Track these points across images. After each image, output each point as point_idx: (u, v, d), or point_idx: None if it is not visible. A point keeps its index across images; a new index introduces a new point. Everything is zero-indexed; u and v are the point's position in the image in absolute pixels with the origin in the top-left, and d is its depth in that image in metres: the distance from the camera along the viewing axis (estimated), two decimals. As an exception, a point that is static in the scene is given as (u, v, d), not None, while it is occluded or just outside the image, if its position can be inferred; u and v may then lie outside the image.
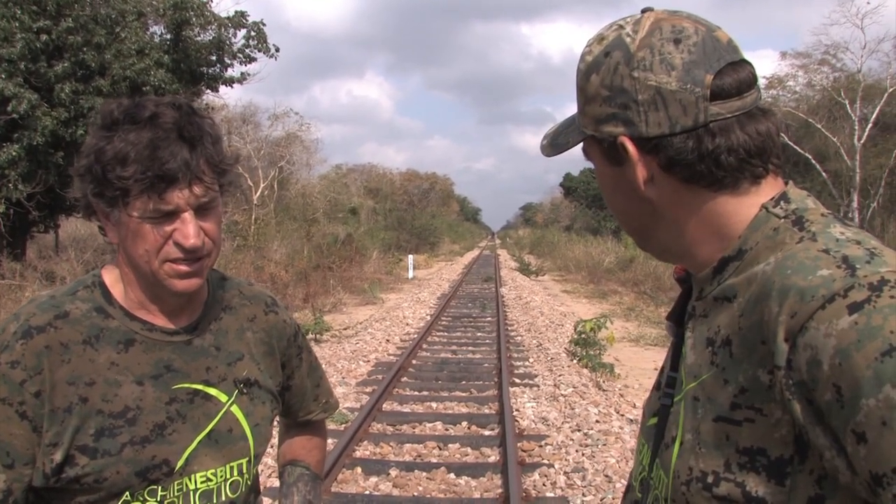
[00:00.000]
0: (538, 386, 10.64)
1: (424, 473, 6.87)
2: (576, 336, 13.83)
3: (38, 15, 17.21)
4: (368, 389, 10.20)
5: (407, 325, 17.10)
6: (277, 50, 22.12)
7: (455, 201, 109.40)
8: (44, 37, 17.06)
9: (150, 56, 18.77)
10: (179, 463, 1.55)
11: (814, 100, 35.25)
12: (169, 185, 1.43)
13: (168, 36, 20.53)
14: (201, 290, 1.68)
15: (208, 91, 22.51)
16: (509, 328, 16.36)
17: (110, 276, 1.62)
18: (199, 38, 20.63)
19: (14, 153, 16.98)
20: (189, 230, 1.47)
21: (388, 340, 14.68)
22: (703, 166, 1.10)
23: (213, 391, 1.63)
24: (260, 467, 1.67)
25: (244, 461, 1.66)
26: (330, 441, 7.58)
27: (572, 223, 73.80)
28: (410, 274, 32.81)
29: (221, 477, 1.62)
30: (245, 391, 1.68)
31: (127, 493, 1.51)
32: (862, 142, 32.38)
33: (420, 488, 6.55)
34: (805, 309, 0.94)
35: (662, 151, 1.11)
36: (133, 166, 1.41)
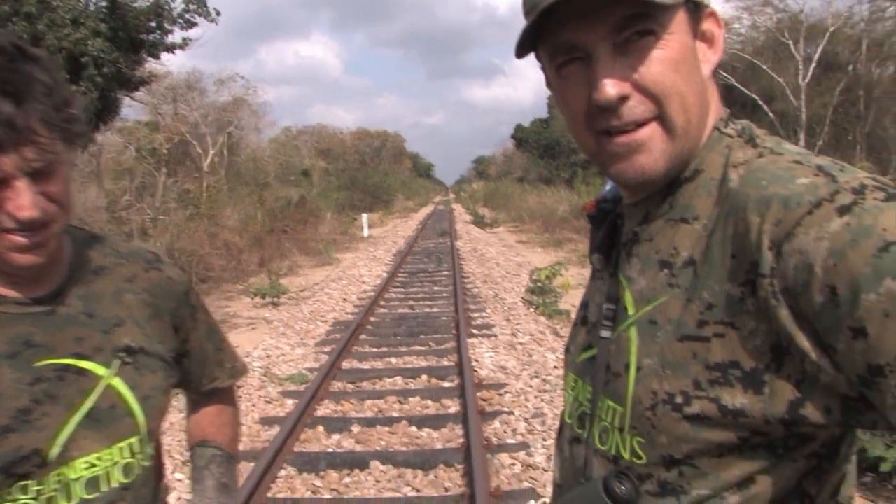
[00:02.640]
0: (496, 336, 10.72)
1: (386, 428, 6.92)
2: (531, 285, 13.95)
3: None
4: (327, 349, 10.21)
5: (363, 283, 17.10)
6: (218, 13, 21.70)
7: (407, 158, 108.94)
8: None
9: (87, 25, 18.34)
10: (54, 451, 1.33)
11: (759, 41, 35.42)
12: None
13: (103, 3, 20.10)
14: (60, 255, 1.45)
15: (150, 59, 22.11)
16: (466, 281, 16.42)
17: None
18: (136, 5, 20.19)
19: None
20: (23, 200, 1.24)
21: (345, 300, 14.68)
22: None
23: (86, 364, 1.41)
24: (167, 449, 1.52)
25: (134, 440, 1.44)
26: (290, 401, 7.67)
27: (525, 174, 73.79)
28: (365, 232, 32.73)
29: (109, 460, 1.40)
30: (129, 360, 1.46)
31: None
32: (806, 81, 32.66)
33: (382, 442, 6.60)
34: (791, 216, 0.94)
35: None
36: None
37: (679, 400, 1.05)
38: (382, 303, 14.08)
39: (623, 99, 1.06)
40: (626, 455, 1.14)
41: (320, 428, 6.93)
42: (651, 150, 1.10)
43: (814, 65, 32.62)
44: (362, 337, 11.03)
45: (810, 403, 0.98)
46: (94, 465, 1.38)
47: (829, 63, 32.98)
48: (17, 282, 1.37)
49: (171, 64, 34.07)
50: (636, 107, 1.07)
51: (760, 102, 32.90)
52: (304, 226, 27.59)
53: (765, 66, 32.98)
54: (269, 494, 5.52)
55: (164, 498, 1.61)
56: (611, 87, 1.05)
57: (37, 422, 1.32)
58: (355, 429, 6.90)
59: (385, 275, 17.98)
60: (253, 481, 5.35)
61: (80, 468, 1.36)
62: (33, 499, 1.32)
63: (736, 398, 1.01)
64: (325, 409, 7.61)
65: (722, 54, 1.13)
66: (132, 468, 1.44)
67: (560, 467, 1.33)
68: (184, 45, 22.35)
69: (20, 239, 1.27)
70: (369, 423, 7.08)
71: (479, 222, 38.26)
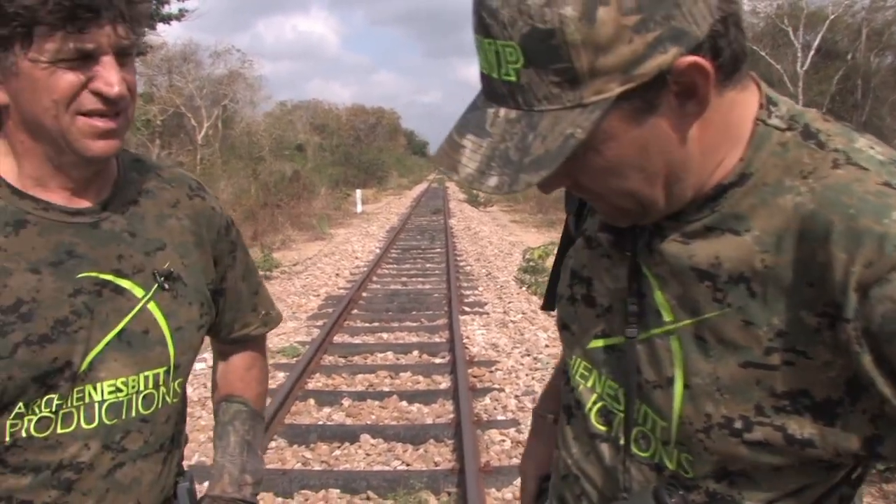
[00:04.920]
0: (488, 314, 10.71)
1: (377, 402, 6.91)
2: (524, 264, 13.95)
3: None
4: (319, 323, 10.19)
5: (356, 258, 17.07)
6: (216, -17, 21.60)
7: (402, 135, 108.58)
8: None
9: (83, -8, 18.22)
10: (83, 366, 1.31)
11: (758, 27, 35.31)
12: (91, 19, 1.18)
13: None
14: (110, 168, 1.41)
15: (145, 28, 21.98)
16: (459, 258, 16.40)
17: None
18: (132, -27, 20.07)
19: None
20: (112, 76, 1.22)
21: (337, 275, 14.66)
22: (732, 56, 0.95)
23: (126, 283, 1.37)
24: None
25: (161, 371, 1.41)
26: (281, 374, 7.65)
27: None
28: (359, 208, 32.68)
29: (133, 388, 1.37)
30: (167, 287, 1.42)
31: (21, 403, 1.26)
32: (804, 69, 32.63)
33: (373, 416, 6.60)
34: (886, 261, 0.85)
35: (713, 50, 0.92)
36: None
37: (738, 425, 1.00)
38: (375, 278, 14.06)
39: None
40: (672, 466, 1.10)
41: (311, 401, 6.93)
42: (618, 218, 1.08)
43: (812, 52, 32.63)
44: (354, 312, 11.01)
45: (890, 441, 0.94)
46: (118, 391, 1.35)
47: (828, 51, 33.01)
48: (66, 187, 1.33)
49: (166, 35, 33.76)
50: (582, 193, 1.06)
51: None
52: (297, 200, 27.51)
53: (763, 53, 32.92)
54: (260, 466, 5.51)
55: (183, 444, 1.57)
56: (546, 189, 1.02)
57: (74, 334, 1.29)
58: (346, 402, 6.90)
59: (378, 251, 17.95)
60: (243, 451, 5.33)
61: (105, 391, 1.33)
62: (53, 412, 1.29)
63: (805, 428, 0.97)
64: (316, 382, 7.61)
65: (706, 99, 0.94)
66: (154, 400, 1.41)
67: (577, 455, 1.26)
68: (180, 15, 22.23)
69: (100, 123, 1.25)
70: (360, 397, 7.08)
71: (473, 201, 38.23)
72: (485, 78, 0.96)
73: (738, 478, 1.05)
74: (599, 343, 1.19)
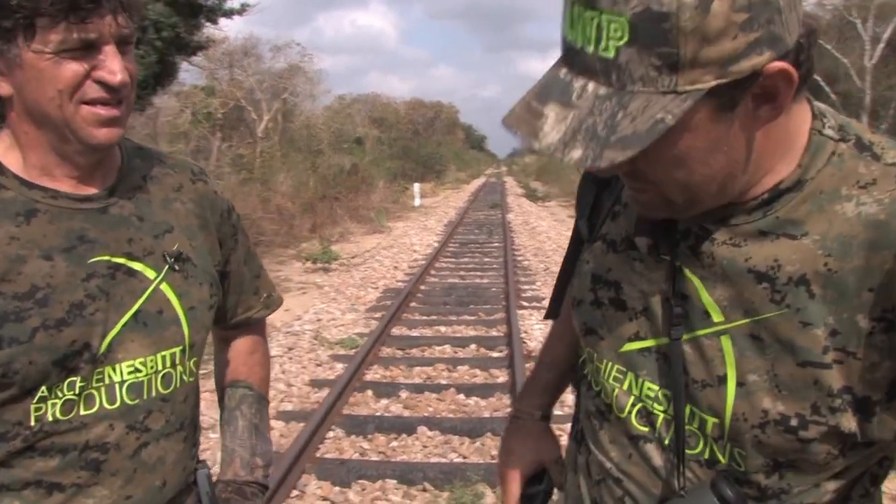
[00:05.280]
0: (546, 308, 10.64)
1: (434, 395, 6.94)
2: (583, 259, 13.86)
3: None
4: (378, 315, 10.25)
5: (414, 252, 17.13)
6: (277, -22, 21.78)
7: (460, 129, 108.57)
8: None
9: (148, -12, 18.52)
10: (102, 348, 1.34)
11: (824, 19, 34.67)
12: (92, 9, 1.21)
13: (165, -33, 20.23)
14: (113, 155, 1.45)
15: (208, 24, 22.23)
16: (516, 253, 16.36)
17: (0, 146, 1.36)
18: (196, -31, 20.32)
19: None
20: (115, 65, 1.26)
21: (395, 267, 14.72)
22: (809, 70, 0.99)
23: (138, 266, 1.40)
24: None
25: (177, 350, 1.44)
26: (339, 365, 7.73)
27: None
28: (417, 202, 32.75)
29: (151, 368, 1.40)
30: (177, 268, 1.46)
31: (43, 387, 1.29)
32: (873, 62, 31.90)
33: (430, 409, 6.63)
34: None
35: (796, 61, 0.96)
36: None
37: (794, 423, 1.04)
38: (433, 272, 14.09)
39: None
40: (724, 460, 1.13)
41: (369, 392, 6.97)
42: (658, 209, 1.10)
43: (882, 45, 31.84)
44: (412, 304, 11.05)
45: None
46: (137, 371, 1.38)
47: (898, 43, 32.21)
48: (72, 175, 1.36)
49: (228, 29, 34.19)
50: (634, 181, 1.07)
51: (822, 84, 32.24)
52: (356, 193, 27.66)
53: (829, 46, 32.27)
54: (318, 454, 5.58)
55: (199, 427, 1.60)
56: (603, 171, 1.06)
57: (90, 317, 1.33)
58: (403, 394, 6.93)
59: (436, 244, 17.99)
60: (302, 441, 5.41)
61: (124, 371, 1.37)
62: (76, 395, 1.32)
63: (851, 423, 1.02)
64: (374, 373, 7.66)
65: (783, 106, 0.97)
66: (172, 379, 1.44)
67: (616, 458, 1.27)
68: (242, 10, 22.43)
69: (103, 111, 1.28)
70: (418, 389, 7.11)
71: (531, 196, 38.14)
72: (574, 51, 0.95)
73: (787, 470, 1.09)
74: (634, 346, 1.21)
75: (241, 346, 1.80)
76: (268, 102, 39.11)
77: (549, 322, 1.66)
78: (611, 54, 0.91)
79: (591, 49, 0.93)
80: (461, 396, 6.89)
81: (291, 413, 6.49)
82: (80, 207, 1.36)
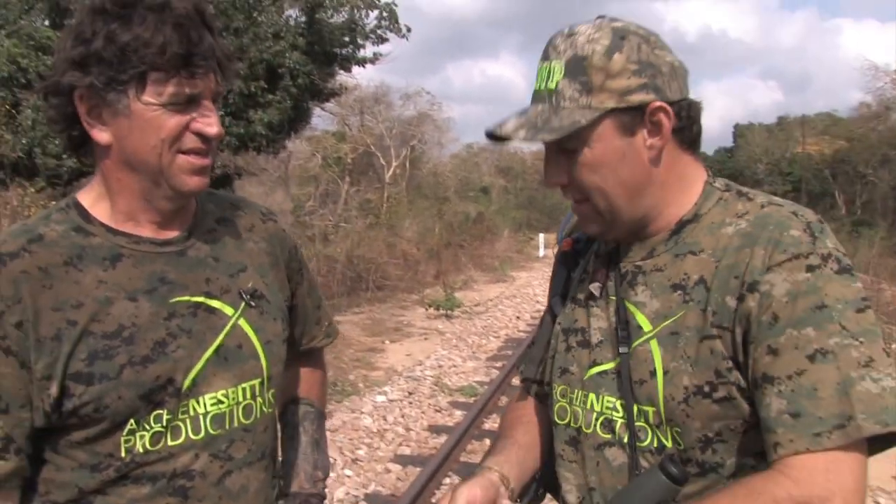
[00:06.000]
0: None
1: (553, 446, 6.84)
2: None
3: (180, 1, 17.73)
4: (498, 364, 10.25)
5: (537, 301, 17.09)
6: (409, 30, 22.23)
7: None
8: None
9: (286, 39, 19.11)
10: (186, 383, 1.41)
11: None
12: (197, 67, 1.33)
13: (303, 18, 20.89)
14: (191, 201, 1.54)
15: (341, 71, 22.84)
16: (641, 306, 16.09)
17: (87, 198, 1.46)
18: (332, 20, 20.91)
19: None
20: (213, 118, 1.38)
21: (518, 317, 14.71)
22: (690, 131, 1.40)
23: (216, 304, 1.49)
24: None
25: (256, 382, 1.51)
26: (458, 412, 7.73)
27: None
28: (541, 252, 32.74)
29: (233, 399, 1.48)
30: (253, 304, 1.53)
31: (132, 420, 1.37)
32: None
33: (548, 461, 6.53)
34: (778, 256, 1.28)
35: (677, 114, 1.37)
36: (162, 46, 1.30)
37: (707, 389, 1.32)
38: (555, 322, 13.95)
39: (563, 186, 1.43)
40: (669, 443, 1.37)
41: (486, 441, 6.93)
42: (592, 221, 1.45)
43: None
44: (533, 354, 10.95)
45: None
46: (220, 402, 1.46)
47: None
48: (154, 220, 1.46)
49: (360, 77, 34.95)
50: (572, 191, 1.43)
51: None
52: (480, 241, 27.86)
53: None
54: (433, 500, 5.57)
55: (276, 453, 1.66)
56: (550, 178, 1.44)
57: (173, 353, 1.41)
58: (522, 445, 6.85)
59: (558, 295, 17.84)
60: (418, 486, 5.42)
61: (207, 403, 1.45)
62: (163, 427, 1.40)
63: (741, 380, 1.30)
64: (493, 422, 7.61)
65: (667, 138, 1.37)
66: (252, 410, 1.51)
67: (589, 472, 1.48)
68: (374, 59, 22.96)
69: (197, 161, 1.40)
70: (536, 440, 7.01)
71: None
72: (535, 91, 1.42)
73: (718, 444, 1.34)
74: (595, 370, 1.47)
75: (300, 370, 1.88)
76: (396, 149, 39.85)
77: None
78: (553, 86, 1.38)
79: (542, 87, 1.40)
80: (580, 450, 6.76)
81: (409, 457, 6.52)
82: (160, 251, 1.46)
